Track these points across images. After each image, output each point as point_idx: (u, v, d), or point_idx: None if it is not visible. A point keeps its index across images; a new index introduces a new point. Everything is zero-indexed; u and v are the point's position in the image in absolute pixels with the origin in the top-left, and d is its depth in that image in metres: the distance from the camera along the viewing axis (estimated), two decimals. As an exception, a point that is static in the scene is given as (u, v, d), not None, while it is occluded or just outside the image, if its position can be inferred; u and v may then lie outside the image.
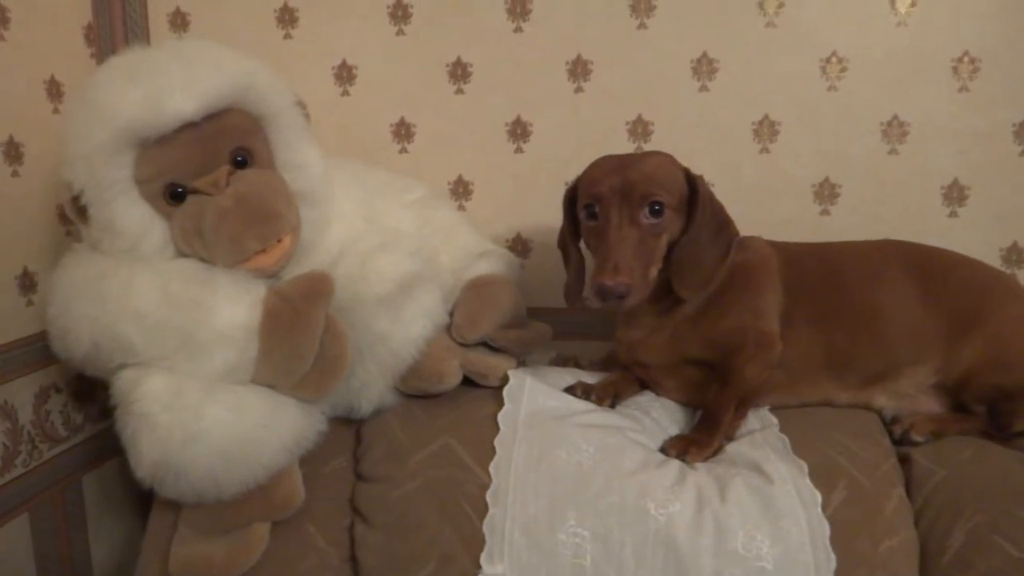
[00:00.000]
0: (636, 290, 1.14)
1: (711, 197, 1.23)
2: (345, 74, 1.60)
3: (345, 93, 1.61)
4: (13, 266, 1.36)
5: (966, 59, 1.43)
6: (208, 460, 1.08)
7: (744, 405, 1.27)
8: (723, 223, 1.23)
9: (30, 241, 1.39)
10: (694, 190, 1.20)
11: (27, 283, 1.38)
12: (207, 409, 1.08)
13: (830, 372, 1.29)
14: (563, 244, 1.32)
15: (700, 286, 1.22)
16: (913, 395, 1.28)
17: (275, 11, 1.59)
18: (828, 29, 1.46)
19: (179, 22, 1.61)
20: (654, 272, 1.18)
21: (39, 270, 1.39)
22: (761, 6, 1.47)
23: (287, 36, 1.60)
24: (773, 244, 1.32)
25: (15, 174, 1.35)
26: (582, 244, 1.28)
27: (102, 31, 1.58)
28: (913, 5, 1.43)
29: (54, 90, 1.44)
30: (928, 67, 1.45)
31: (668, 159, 1.22)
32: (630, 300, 1.14)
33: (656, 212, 1.16)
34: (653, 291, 1.20)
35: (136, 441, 1.09)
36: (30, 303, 1.38)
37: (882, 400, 1.29)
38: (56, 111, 1.45)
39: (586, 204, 1.20)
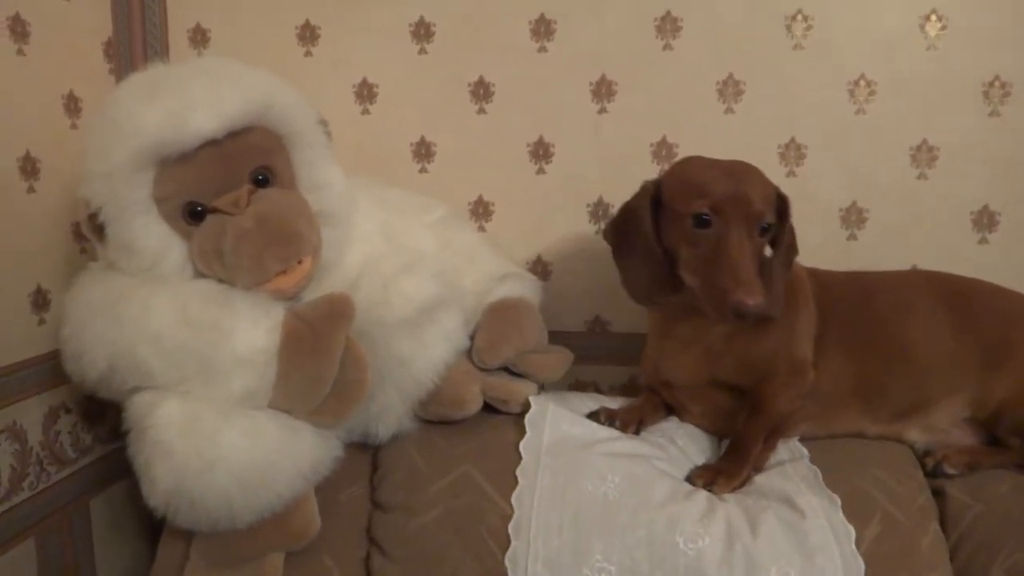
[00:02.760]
0: (766, 305, 1.10)
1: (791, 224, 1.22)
2: (366, 92, 1.58)
3: (365, 111, 1.59)
4: (26, 283, 1.33)
5: (997, 83, 1.41)
6: (224, 487, 1.05)
7: (774, 436, 1.23)
8: (793, 244, 1.22)
9: (44, 258, 1.37)
10: (782, 213, 1.19)
11: (40, 301, 1.35)
12: (223, 435, 1.05)
13: (862, 403, 1.26)
14: (624, 236, 1.23)
15: (778, 306, 1.19)
16: (946, 429, 1.25)
17: (296, 28, 1.58)
18: (856, 52, 1.44)
19: (199, 38, 1.60)
20: None
21: (52, 288, 1.37)
22: (789, 28, 1.45)
23: (308, 53, 1.58)
24: (807, 269, 1.30)
25: (31, 190, 1.33)
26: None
27: (121, 47, 1.56)
28: (943, 29, 1.41)
29: (72, 106, 1.43)
30: (958, 91, 1.42)
31: (767, 178, 1.18)
32: (761, 313, 1.09)
33: (764, 231, 1.14)
34: (693, 303, 1.17)
35: (150, 468, 1.06)
36: (42, 321, 1.36)
37: (914, 434, 1.26)
38: (74, 127, 1.43)
39: (699, 212, 1.13)
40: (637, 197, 1.23)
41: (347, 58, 1.57)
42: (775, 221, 1.16)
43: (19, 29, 1.29)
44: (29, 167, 1.32)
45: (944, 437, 1.25)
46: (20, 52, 1.30)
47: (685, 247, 1.16)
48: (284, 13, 1.57)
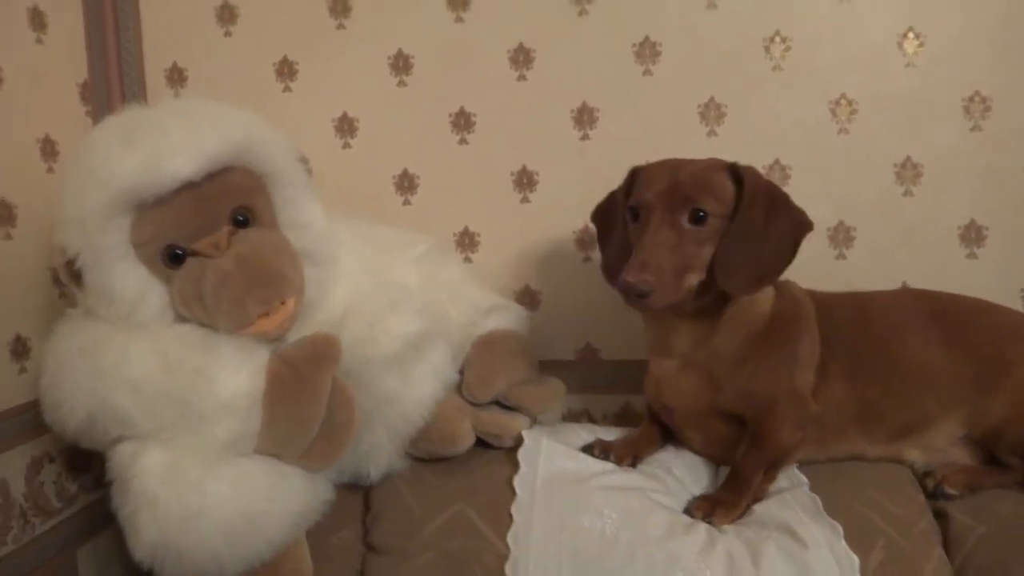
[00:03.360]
0: (662, 292, 1.08)
1: (769, 190, 1.16)
2: (346, 127, 1.57)
3: (346, 146, 1.57)
4: (5, 332, 1.30)
5: (977, 98, 1.41)
6: (211, 539, 1.02)
7: (775, 467, 1.21)
8: (784, 213, 1.14)
9: (23, 306, 1.34)
10: (740, 181, 1.13)
11: (20, 349, 1.32)
12: (208, 484, 1.03)
13: (861, 426, 1.24)
14: (604, 218, 1.28)
15: (753, 281, 1.14)
16: (944, 448, 1.24)
17: (274, 64, 1.57)
18: (836, 71, 1.44)
19: (176, 77, 1.59)
20: (691, 280, 1.12)
21: (32, 335, 1.34)
22: (767, 50, 1.45)
23: (286, 89, 1.57)
24: (807, 292, 1.28)
25: (7, 236, 1.30)
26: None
27: (98, 88, 1.54)
28: (921, 46, 1.41)
29: (48, 149, 1.40)
30: (939, 107, 1.42)
31: (718, 163, 1.16)
32: (654, 300, 1.08)
33: (699, 220, 1.12)
34: (696, 308, 1.17)
35: (134, 520, 1.03)
36: (23, 370, 1.33)
37: (913, 453, 1.25)
38: (51, 171, 1.40)
39: (631, 206, 1.16)
40: (622, 184, 1.25)
41: (326, 93, 1.56)
42: (724, 210, 1.12)
43: (-8, 75, 1.27)
44: (5, 213, 1.30)
45: (943, 457, 1.23)
46: (-7, 99, 1.28)
47: (632, 240, 1.17)
48: (261, 50, 1.57)
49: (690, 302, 1.16)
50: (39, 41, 1.39)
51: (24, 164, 1.35)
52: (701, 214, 1.12)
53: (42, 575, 1.36)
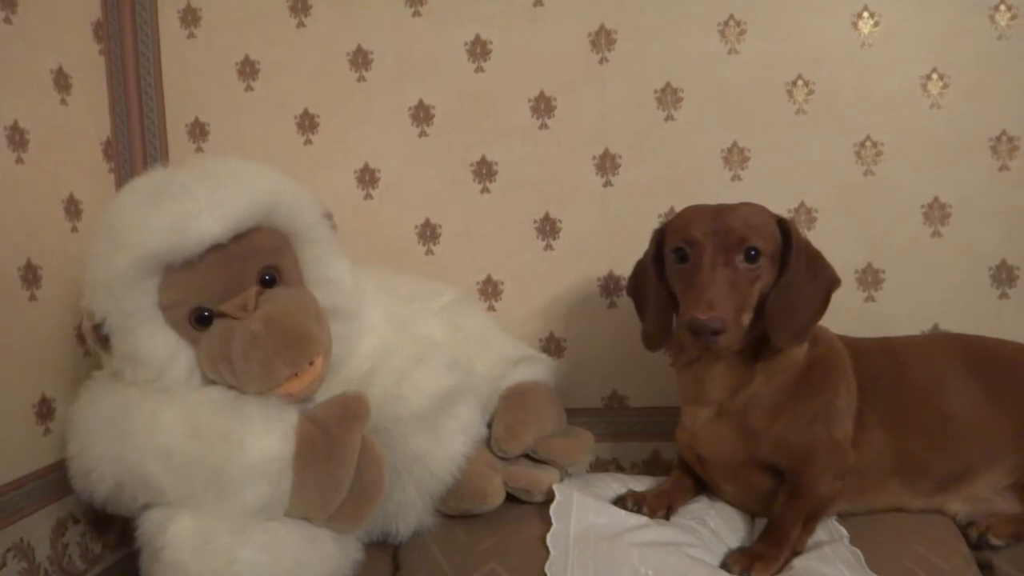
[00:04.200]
0: (730, 330, 1.08)
1: (807, 243, 1.18)
2: (368, 177, 1.57)
3: (368, 196, 1.57)
4: (30, 393, 1.30)
5: (1004, 138, 1.40)
6: (242, 607, 1.00)
7: (814, 519, 1.18)
8: (820, 269, 1.17)
9: (48, 366, 1.33)
10: (787, 237, 1.15)
11: (45, 411, 1.32)
12: (239, 552, 1.01)
13: (902, 477, 1.21)
14: (638, 288, 1.27)
15: (796, 335, 1.15)
16: (989, 498, 1.20)
17: (295, 117, 1.57)
18: (860, 113, 1.43)
19: (198, 132, 1.60)
20: (746, 319, 1.12)
21: (57, 396, 1.33)
22: (790, 93, 1.44)
23: (308, 142, 1.58)
24: (841, 338, 1.26)
25: (32, 298, 1.30)
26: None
27: (121, 146, 1.56)
28: (945, 87, 1.40)
29: (72, 209, 1.41)
30: (966, 147, 1.41)
31: (762, 208, 1.18)
32: (724, 340, 1.08)
33: (752, 258, 1.12)
34: (734, 354, 1.16)
35: (165, 593, 1.01)
36: (48, 431, 1.32)
37: (956, 505, 1.22)
38: (75, 230, 1.41)
39: (676, 247, 1.15)
40: (649, 248, 1.25)
41: (347, 144, 1.57)
42: (771, 250, 1.13)
43: (17, 138, 1.28)
44: (31, 275, 1.30)
45: (988, 507, 1.20)
46: (19, 160, 1.29)
47: (675, 283, 1.17)
48: (282, 103, 1.58)
49: (735, 344, 1.15)
50: (63, 102, 1.41)
51: (49, 224, 1.36)
52: (753, 252, 1.12)
53: (64, 639, 1.34)
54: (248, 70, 1.58)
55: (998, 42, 1.38)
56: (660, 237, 1.22)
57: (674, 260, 1.16)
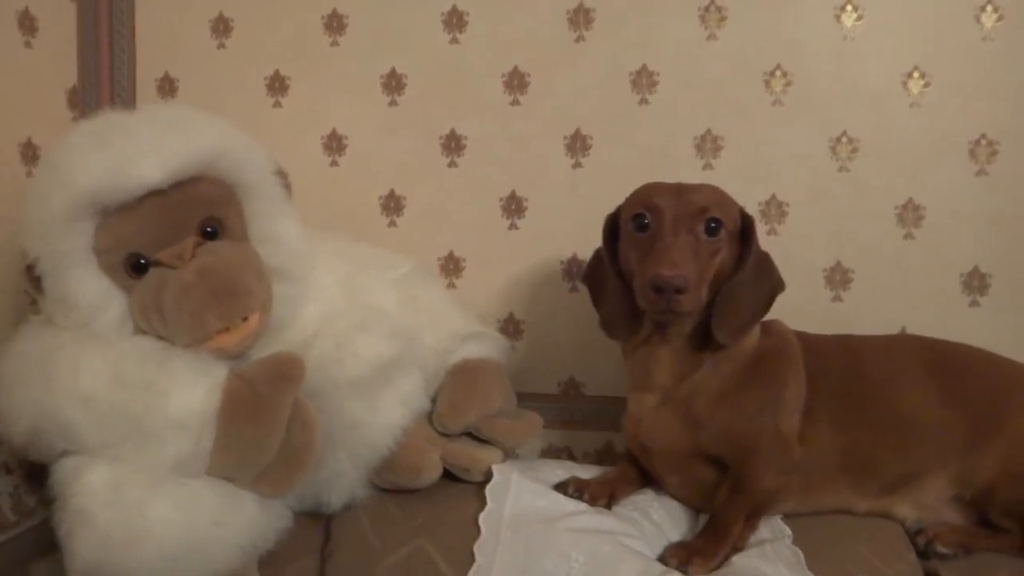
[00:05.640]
0: (693, 291, 1.04)
1: (758, 243, 1.16)
2: (335, 144, 1.54)
3: (334, 163, 1.54)
4: (-30, 338, 1.27)
5: (983, 141, 1.36)
6: (151, 564, 0.97)
7: (756, 515, 1.15)
8: (768, 271, 1.16)
9: (-9, 311, 1.31)
10: (747, 229, 1.13)
11: (-16, 356, 1.28)
12: (152, 506, 0.98)
13: (849, 477, 1.18)
14: (594, 276, 1.23)
15: (737, 331, 1.13)
16: (936, 506, 1.17)
17: (266, 78, 1.55)
18: (838, 108, 1.40)
19: (167, 88, 1.57)
20: (704, 292, 1.09)
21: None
22: (768, 84, 1.41)
23: (277, 104, 1.55)
24: (794, 332, 1.23)
25: (-20, 240, 1.28)
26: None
27: (87, 95, 1.53)
28: (927, 86, 1.37)
29: (29, 153, 1.39)
30: (944, 149, 1.38)
31: (724, 191, 1.15)
32: (686, 302, 1.04)
33: (712, 230, 1.09)
34: (681, 339, 1.15)
35: (71, 541, 0.98)
36: (-16, 378, 1.29)
37: (904, 510, 1.18)
38: (30, 175, 1.38)
39: (636, 214, 1.11)
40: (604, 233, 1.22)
41: (316, 109, 1.54)
42: (732, 227, 1.12)
43: (-26, 76, 1.26)
44: (-22, 216, 1.27)
45: (934, 515, 1.17)
46: (-27, 99, 1.26)
47: (632, 255, 1.12)
48: (254, 63, 1.55)
49: (684, 324, 1.13)
50: (28, 45, 1.38)
51: (4, 167, 1.33)
52: (715, 224, 1.09)
53: (-9, 590, 1.31)
54: (222, 27, 1.55)
55: (983, 43, 1.35)
56: (613, 220, 1.19)
57: (632, 229, 1.12)
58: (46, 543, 1.41)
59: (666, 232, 1.08)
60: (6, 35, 1.34)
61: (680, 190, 1.11)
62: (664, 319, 1.13)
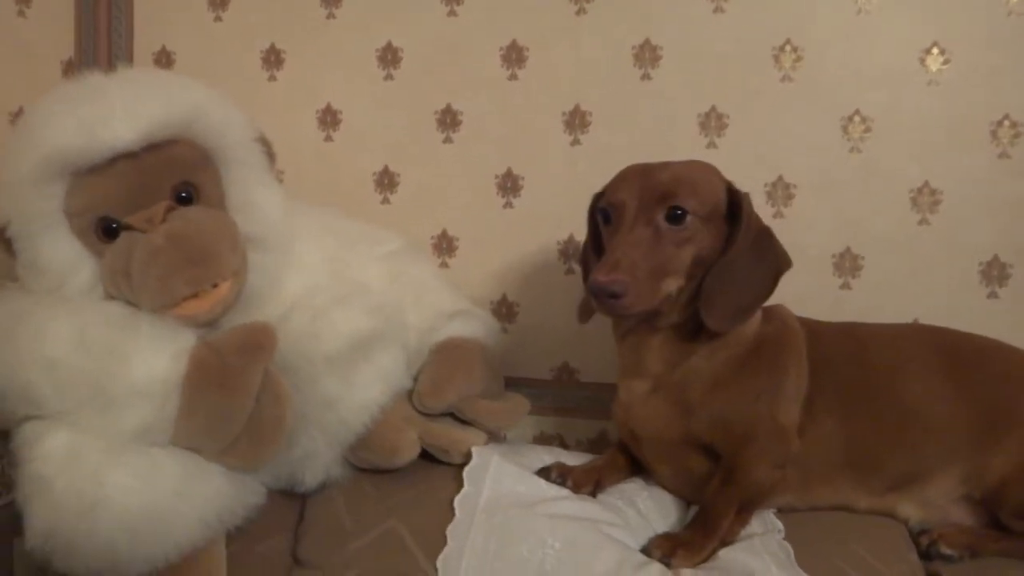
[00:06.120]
0: (637, 294, 0.97)
1: (758, 220, 1.07)
2: (329, 119, 1.51)
3: (328, 138, 1.51)
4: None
5: (1006, 122, 1.28)
6: (107, 533, 0.94)
7: (748, 508, 1.09)
8: (768, 249, 1.06)
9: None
10: (736, 209, 1.05)
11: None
12: (109, 474, 0.95)
13: (850, 472, 1.11)
14: (584, 257, 1.18)
15: (733, 317, 1.05)
16: (943, 505, 1.10)
17: (261, 52, 1.52)
18: (850, 86, 1.33)
19: (164, 61, 1.55)
20: (670, 285, 1.02)
21: (-18, 309, 1.29)
22: (776, 59, 1.35)
23: (271, 78, 1.52)
24: (798, 319, 1.16)
25: (-37, 205, 1.26)
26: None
27: (84, 66, 1.51)
28: (946, 63, 1.30)
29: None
30: (964, 131, 1.30)
31: (707, 167, 1.08)
32: (628, 304, 0.97)
33: (676, 218, 1.01)
34: (674, 325, 1.07)
35: (27, 507, 0.96)
36: (-33, 345, 1.27)
37: (908, 509, 1.11)
38: (21, 144, 1.37)
39: (603, 207, 1.07)
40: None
41: (311, 83, 1.51)
42: (706, 211, 1.03)
43: (-38, 41, 1.25)
44: (-37, 181, 1.26)
45: (941, 515, 1.09)
46: (-37, 65, 1.25)
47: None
48: (250, 37, 1.53)
49: (668, 314, 1.06)
50: (21, 14, 1.37)
51: (-9, 134, 1.33)
52: (678, 212, 1.01)
53: (-27, 562, 1.30)
54: (219, 0, 1.53)
55: (1008, 18, 1.27)
56: (597, 202, 1.13)
57: (602, 221, 1.08)
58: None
59: (623, 227, 1.02)
60: None
61: (647, 174, 1.04)
62: (623, 321, 1.07)
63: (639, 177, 1.04)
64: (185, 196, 1.08)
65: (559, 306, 1.44)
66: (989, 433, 1.06)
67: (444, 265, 1.48)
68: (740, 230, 1.04)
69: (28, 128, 1.04)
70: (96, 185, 1.03)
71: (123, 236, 1.04)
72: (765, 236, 1.07)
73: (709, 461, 1.11)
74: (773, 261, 1.06)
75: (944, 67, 1.30)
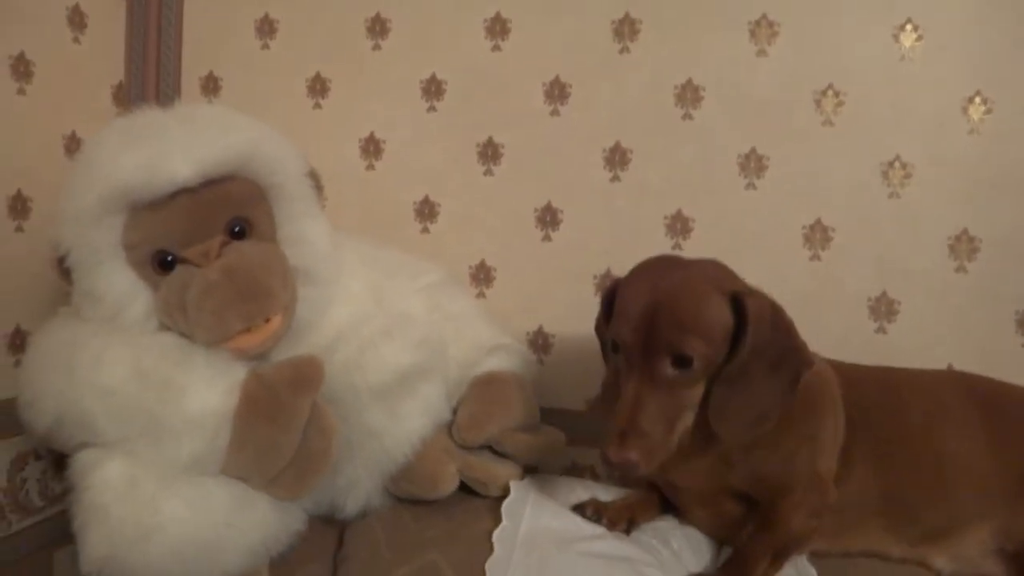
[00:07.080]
0: (649, 458, 0.97)
1: (771, 321, 0.99)
2: (372, 148, 1.53)
3: (370, 167, 1.54)
4: (5, 323, 1.30)
5: (1048, 173, 1.29)
6: (161, 562, 0.97)
7: (782, 555, 1.09)
8: (788, 350, 0.99)
9: (27, 298, 1.33)
10: (741, 317, 0.98)
11: (18, 342, 1.31)
12: (164, 503, 0.97)
13: (885, 521, 1.11)
14: (600, 336, 1.18)
15: (748, 428, 1.01)
16: (976, 559, 1.10)
17: (307, 80, 1.55)
18: (892, 132, 1.34)
19: (211, 87, 1.58)
20: (686, 423, 1.01)
21: (32, 329, 1.32)
22: (818, 103, 1.36)
23: (316, 106, 1.55)
24: (831, 363, 1.16)
25: (19, 229, 1.31)
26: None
27: (133, 91, 1.55)
28: (988, 112, 1.31)
29: (73, 146, 1.41)
30: (1004, 180, 1.31)
31: (709, 286, 0.99)
32: (643, 470, 0.98)
33: (683, 364, 0.98)
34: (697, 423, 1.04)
35: (84, 532, 0.98)
36: (18, 363, 1.31)
37: (941, 561, 1.12)
38: (73, 167, 1.41)
39: (611, 338, 1.05)
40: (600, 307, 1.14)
41: (355, 112, 1.54)
42: (712, 349, 0.97)
43: (22, 68, 1.28)
44: (19, 205, 1.30)
45: (973, 567, 1.10)
46: (21, 91, 1.29)
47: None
48: (296, 65, 1.55)
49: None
50: (76, 40, 1.41)
51: (46, 159, 1.36)
52: (684, 359, 0.98)
53: (15, 572, 1.33)
54: (267, 28, 1.56)
55: (1051, 70, 1.28)
56: (611, 297, 1.08)
57: (611, 349, 1.05)
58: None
59: (629, 384, 0.99)
60: (56, 31, 1.37)
61: (649, 312, 0.97)
62: None
63: (641, 306, 0.99)
64: (239, 231, 1.10)
65: (594, 339, 1.45)
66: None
67: (481, 295, 1.50)
68: (742, 345, 0.97)
69: (90, 163, 1.07)
70: (154, 220, 1.05)
71: (178, 269, 1.07)
72: (785, 334, 1.00)
73: (744, 506, 1.12)
74: (793, 362, 1.00)
75: (986, 116, 1.31)
